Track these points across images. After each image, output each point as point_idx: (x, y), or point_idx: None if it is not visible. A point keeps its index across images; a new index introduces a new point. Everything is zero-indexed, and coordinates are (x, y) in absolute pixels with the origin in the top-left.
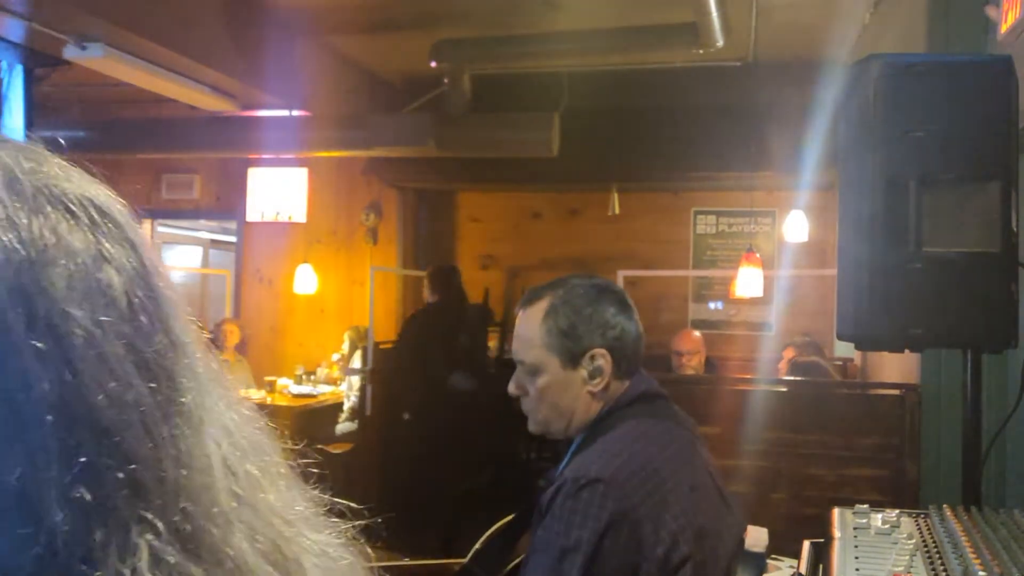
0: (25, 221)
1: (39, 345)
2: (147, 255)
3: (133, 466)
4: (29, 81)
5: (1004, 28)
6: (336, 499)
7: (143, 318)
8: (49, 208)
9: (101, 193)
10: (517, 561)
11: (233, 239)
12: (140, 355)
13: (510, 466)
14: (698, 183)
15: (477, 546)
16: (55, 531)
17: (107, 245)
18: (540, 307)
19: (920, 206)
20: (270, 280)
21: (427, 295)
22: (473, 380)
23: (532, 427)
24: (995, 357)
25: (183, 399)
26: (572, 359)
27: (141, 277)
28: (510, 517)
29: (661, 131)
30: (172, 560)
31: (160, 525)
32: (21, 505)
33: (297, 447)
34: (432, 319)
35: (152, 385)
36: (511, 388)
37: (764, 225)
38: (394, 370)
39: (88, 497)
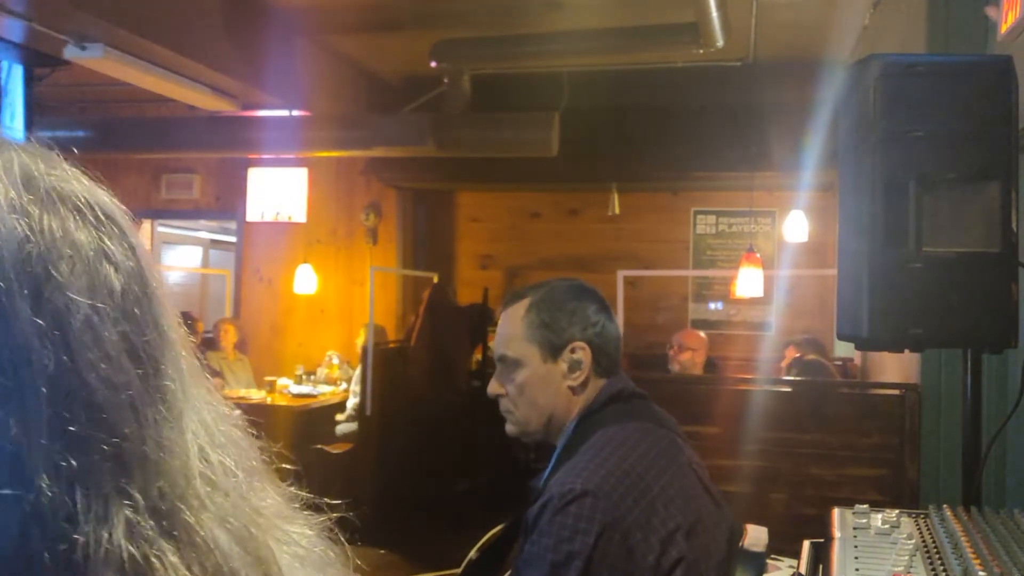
0: (38, 214)
1: (42, 324)
2: (143, 257)
3: (117, 440)
4: (29, 81)
5: (1004, 28)
6: (311, 495)
7: (136, 311)
8: (60, 206)
9: (106, 198)
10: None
11: (233, 239)
12: (132, 344)
13: (508, 469)
14: (698, 183)
15: (471, 555)
16: (41, 494)
17: (109, 244)
18: (522, 304)
19: (920, 206)
20: (270, 280)
21: None
22: None
23: (510, 428)
24: (995, 357)
25: (168, 388)
26: (553, 351)
27: (137, 275)
28: (500, 527)
29: (661, 131)
30: (147, 532)
31: (138, 499)
32: (13, 467)
33: (273, 448)
34: None
35: (140, 371)
36: (491, 387)
37: (764, 225)
38: None
39: (74, 464)
